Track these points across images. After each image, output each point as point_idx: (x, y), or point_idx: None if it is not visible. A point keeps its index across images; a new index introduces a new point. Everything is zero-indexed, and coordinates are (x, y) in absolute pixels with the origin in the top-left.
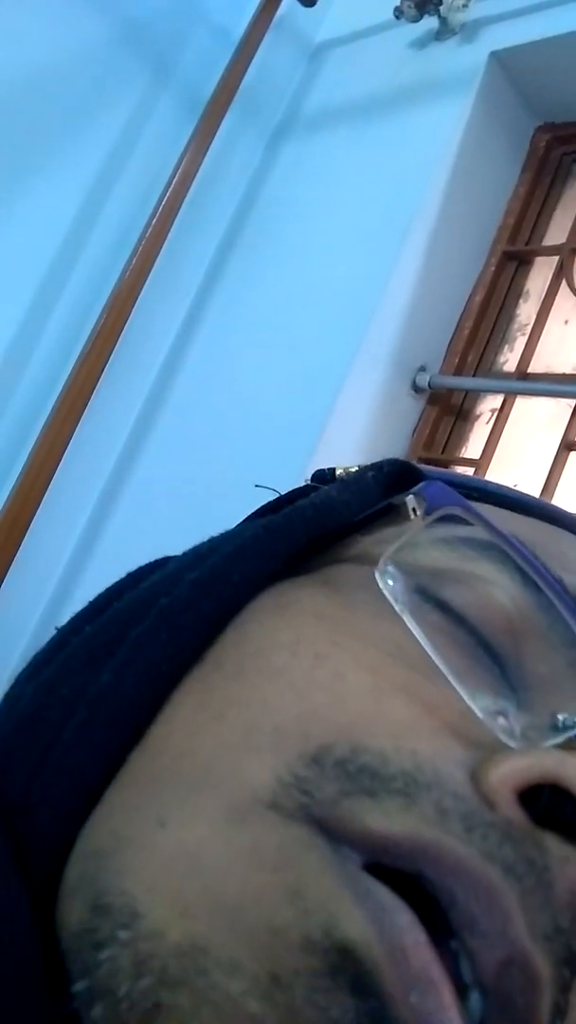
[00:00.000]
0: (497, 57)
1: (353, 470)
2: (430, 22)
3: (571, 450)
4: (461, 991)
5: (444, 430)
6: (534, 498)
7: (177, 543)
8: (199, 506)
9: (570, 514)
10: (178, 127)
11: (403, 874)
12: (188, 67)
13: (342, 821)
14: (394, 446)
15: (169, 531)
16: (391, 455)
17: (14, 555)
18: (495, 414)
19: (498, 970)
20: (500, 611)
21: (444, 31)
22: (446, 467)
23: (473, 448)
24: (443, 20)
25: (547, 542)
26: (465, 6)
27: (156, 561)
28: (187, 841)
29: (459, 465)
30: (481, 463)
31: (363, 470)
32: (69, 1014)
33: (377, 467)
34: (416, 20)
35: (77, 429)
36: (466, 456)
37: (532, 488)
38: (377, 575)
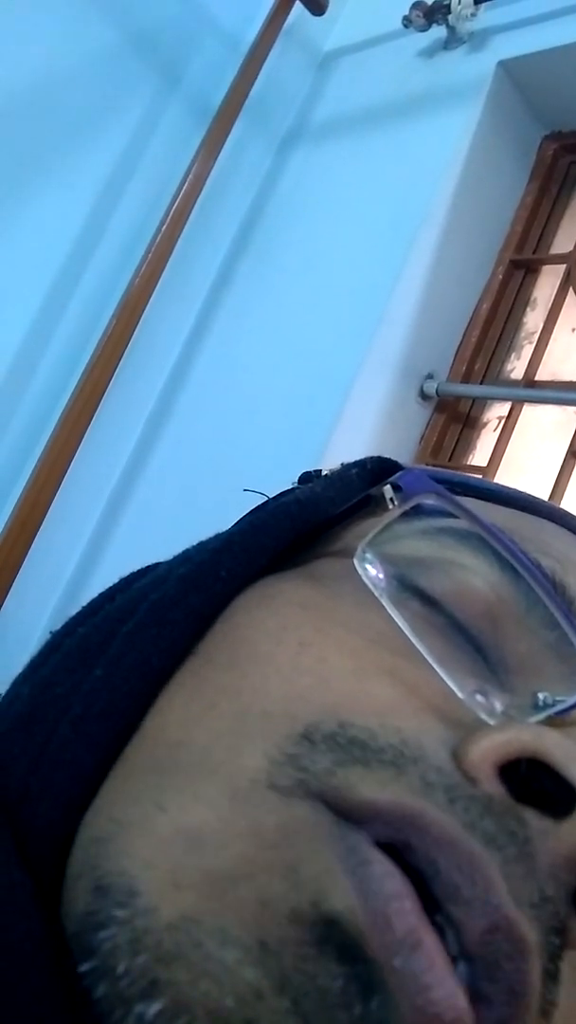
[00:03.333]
0: (505, 66)
1: (337, 468)
2: (438, 31)
3: None
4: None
5: (451, 437)
6: (517, 491)
7: (184, 548)
8: (206, 513)
9: (552, 505)
10: (187, 135)
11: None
12: (197, 75)
13: (340, 791)
14: (401, 453)
15: (176, 538)
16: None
17: (22, 562)
18: (502, 422)
19: (483, 937)
20: (478, 596)
21: (452, 40)
22: None
23: (480, 455)
24: (451, 29)
25: (527, 530)
26: (473, 15)
27: (148, 566)
28: (188, 822)
29: (467, 472)
30: (488, 470)
31: (347, 467)
32: (80, 998)
33: (361, 464)
34: (424, 29)
35: (85, 436)
36: (473, 463)
37: (539, 495)
38: (356, 563)
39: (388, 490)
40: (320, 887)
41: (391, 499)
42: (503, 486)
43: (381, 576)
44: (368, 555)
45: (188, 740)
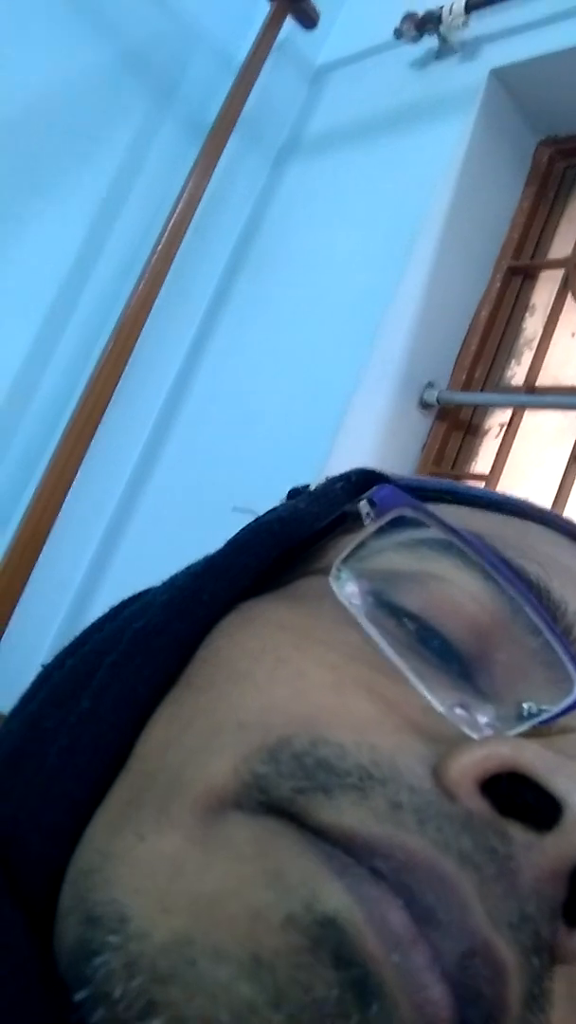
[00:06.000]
0: (498, 74)
1: (322, 483)
2: (430, 41)
3: None
4: None
5: (453, 445)
6: (506, 496)
7: (187, 564)
8: (209, 528)
9: (540, 507)
10: (182, 152)
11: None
12: (190, 92)
13: (299, 817)
14: (404, 463)
15: (179, 553)
16: (400, 472)
17: (25, 584)
18: (504, 428)
19: (461, 962)
20: (458, 608)
21: (444, 50)
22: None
23: (483, 463)
24: (443, 39)
25: (512, 535)
26: (464, 24)
27: (137, 593)
28: (165, 849)
29: (469, 480)
30: (491, 478)
31: (332, 481)
32: None
33: (345, 477)
34: (416, 40)
35: (88, 452)
36: (476, 471)
37: (543, 501)
38: (331, 581)
39: (364, 505)
40: (311, 890)
41: (367, 514)
42: (490, 492)
43: (358, 593)
44: (343, 573)
45: (164, 764)
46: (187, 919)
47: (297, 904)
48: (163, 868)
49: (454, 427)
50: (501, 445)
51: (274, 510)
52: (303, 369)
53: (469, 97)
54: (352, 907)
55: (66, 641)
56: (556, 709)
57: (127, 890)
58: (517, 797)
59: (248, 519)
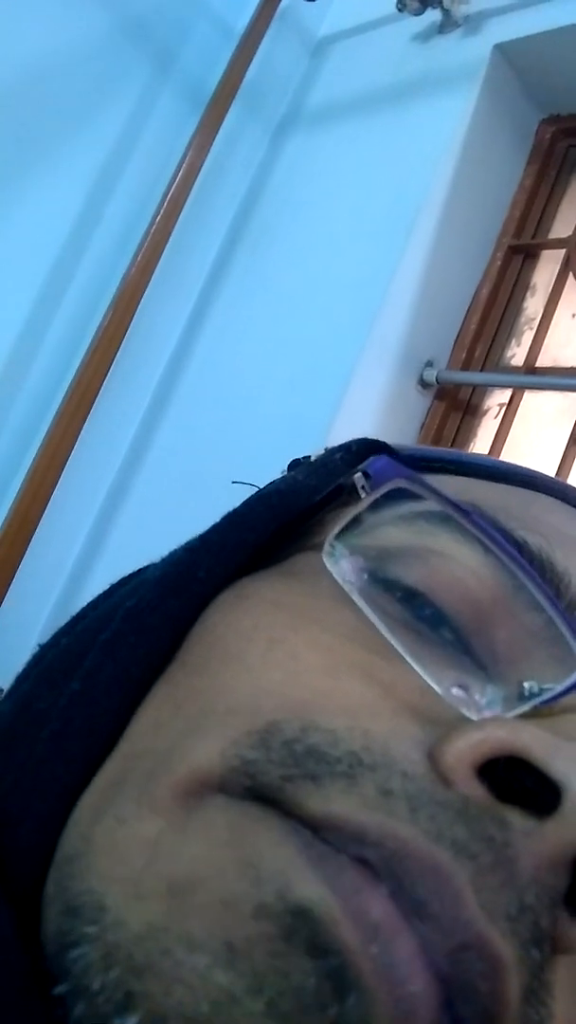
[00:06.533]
0: (501, 49)
1: (321, 453)
2: (433, 15)
3: None
4: None
5: (452, 425)
6: (511, 465)
7: (184, 541)
8: (206, 505)
9: (547, 477)
10: (181, 122)
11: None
12: (190, 61)
13: (285, 804)
14: (402, 442)
15: (176, 530)
16: None
17: (22, 555)
18: (503, 409)
19: (454, 956)
20: (456, 584)
21: (447, 24)
22: None
23: (482, 443)
24: (446, 12)
25: (515, 506)
26: None
27: (135, 571)
28: (143, 833)
29: None
30: None
31: (331, 452)
32: (62, 1021)
33: (345, 448)
34: (419, 13)
35: (83, 427)
36: (475, 452)
37: None
38: (324, 557)
39: (359, 478)
40: (284, 879)
41: (362, 487)
42: (495, 460)
43: (353, 570)
44: (338, 549)
45: (151, 746)
46: (161, 906)
47: (269, 894)
48: (140, 853)
49: (453, 407)
50: (500, 426)
51: (272, 483)
52: (302, 345)
53: (472, 72)
54: (327, 897)
55: (61, 620)
56: (559, 688)
57: (105, 879)
58: (515, 782)
59: (248, 492)
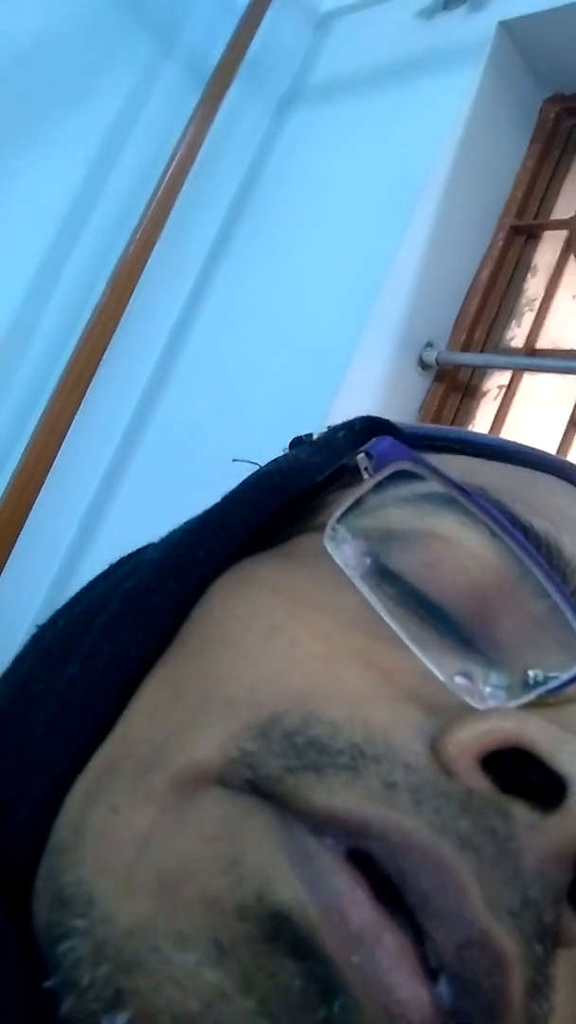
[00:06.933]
0: (506, 26)
1: (324, 431)
2: None
3: None
4: (433, 976)
5: (451, 407)
6: (513, 443)
7: (183, 520)
8: (204, 484)
9: (552, 456)
10: (183, 97)
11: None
12: (193, 36)
13: (286, 797)
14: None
15: (174, 509)
16: None
17: (19, 533)
18: (503, 391)
19: (457, 952)
20: (461, 569)
21: (452, 0)
22: None
23: (481, 425)
24: None
25: (520, 487)
26: None
27: (134, 551)
28: (137, 823)
29: None
30: None
31: (334, 430)
32: (49, 1015)
33: (348, 426)
34: None
35: (81, 405)
36: (466, 429)
37: None
38: (326, 540)
39: (363, 459)
40: (264, 880)
41: (365, 468)
42: (502, 440)
43: (356, 554)
44: (340, 532)
45: (149, 733)
46: (151, 901)
47: (249, 895)
48: (132, 843)
49: (452, 388)
50: (499, 408)
51: (275, 461)
52: (302, 324)
53: (476, 50)
54: (306, 903)
55: (59, 599)
56: (565, 676)
57: (95, 870)
58: (520, 774)
59: (249, 471)
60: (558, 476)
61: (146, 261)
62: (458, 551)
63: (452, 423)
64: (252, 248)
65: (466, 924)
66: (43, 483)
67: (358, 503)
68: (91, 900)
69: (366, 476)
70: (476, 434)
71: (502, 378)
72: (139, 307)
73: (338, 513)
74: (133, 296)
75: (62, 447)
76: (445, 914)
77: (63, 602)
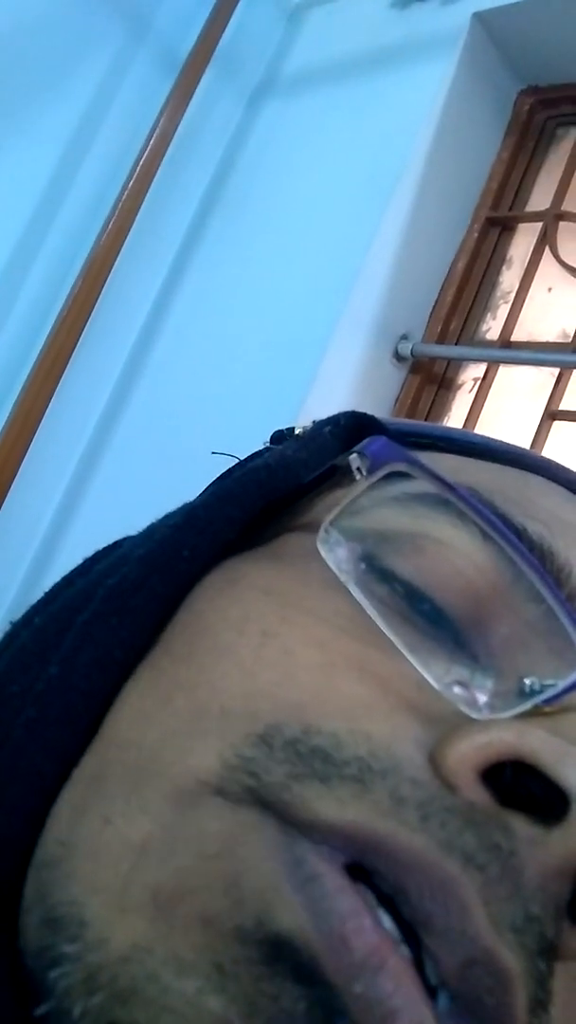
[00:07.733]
0: (480, 18)
1: (309, 426)
2: None
3: (555, 419)
4: (431, 993)
5: (427, 399)
6: (503, 443)
7: (157, 510)
8: (179, 473)
9: (540, 456)
10: (155, 86)
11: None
12: (165, 25)
13: (292, 807)
14: (377, 415)
15: (149, 498)
16: None
17: None
18: (478, 383)
19: (461, 971)
20: (456, 574)
21: None
22: None
23: (456, 417)
24: None
25: (512, 488)
26: None
27: (110, 545)
28: (132, 836)
29: None
30: None
31: (320, 425)
32: None
33: (334, 421)
34: None
35: (55, 393)
36: (461, 428)
37: None
38: (319, 544)
39: (355, 459)
40: (264, 903)
41: (358, 468)
42: (487, 438)
43: (348, 557)
44: (332, 536)
45: (139, 740)
46: (146, 921)
47: (248, 918)
48: (126, 857)
49: (428, 380)
50: (475, 400)
51: (259, 455)
52: (276, 315)
53: (450, 41)
54: (307, 928)
55: (32, 594)
56: (561, 685)
57: (87, 887)
58: (520, 787)
59: (227, 463)
60: (544, 475)
61: (119, 251)
62: (452, 554)
63: (427, 415)
64: (226, 240)
65: (470, 942)
66: (17, 471)
67: (350, 504)
68: (83, 922)
69: (359, 476)
70: (460, 431)
71: (477, 370)
72: (112, 297)
73: (332, 515)
74: (106, 285)
75: (36, 435)
76: (448, 932)
77: (37, 597)
